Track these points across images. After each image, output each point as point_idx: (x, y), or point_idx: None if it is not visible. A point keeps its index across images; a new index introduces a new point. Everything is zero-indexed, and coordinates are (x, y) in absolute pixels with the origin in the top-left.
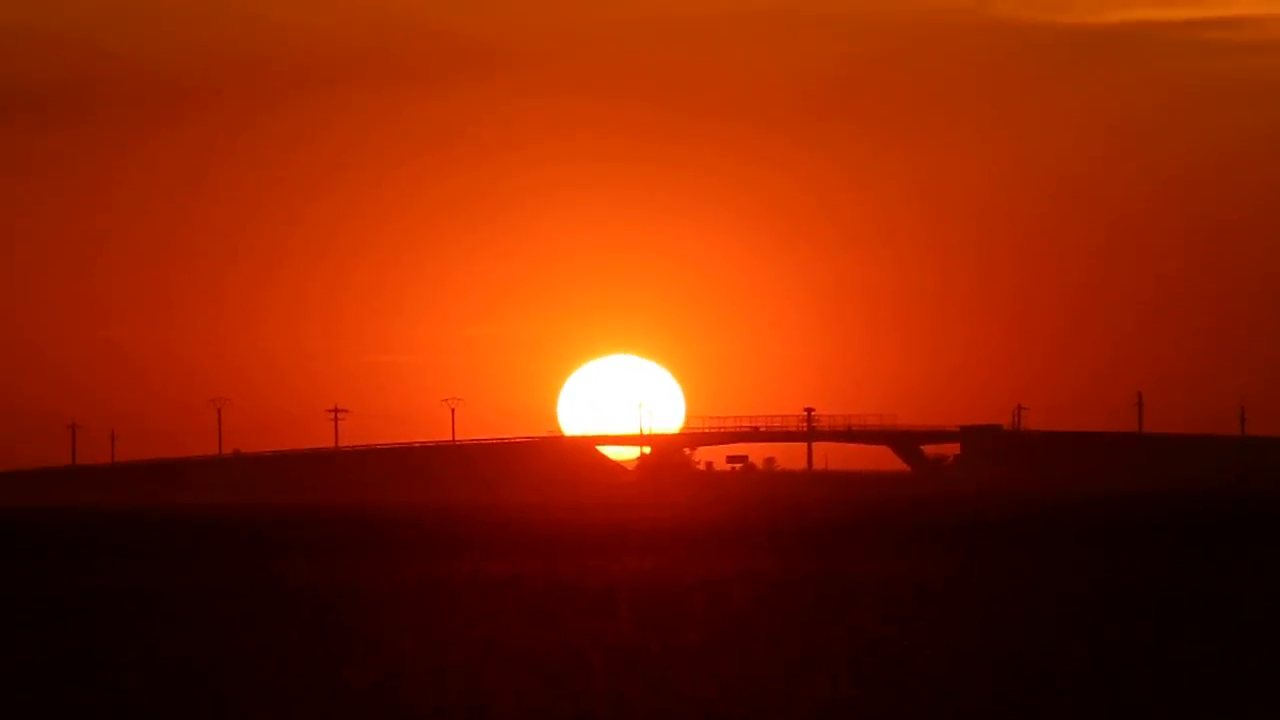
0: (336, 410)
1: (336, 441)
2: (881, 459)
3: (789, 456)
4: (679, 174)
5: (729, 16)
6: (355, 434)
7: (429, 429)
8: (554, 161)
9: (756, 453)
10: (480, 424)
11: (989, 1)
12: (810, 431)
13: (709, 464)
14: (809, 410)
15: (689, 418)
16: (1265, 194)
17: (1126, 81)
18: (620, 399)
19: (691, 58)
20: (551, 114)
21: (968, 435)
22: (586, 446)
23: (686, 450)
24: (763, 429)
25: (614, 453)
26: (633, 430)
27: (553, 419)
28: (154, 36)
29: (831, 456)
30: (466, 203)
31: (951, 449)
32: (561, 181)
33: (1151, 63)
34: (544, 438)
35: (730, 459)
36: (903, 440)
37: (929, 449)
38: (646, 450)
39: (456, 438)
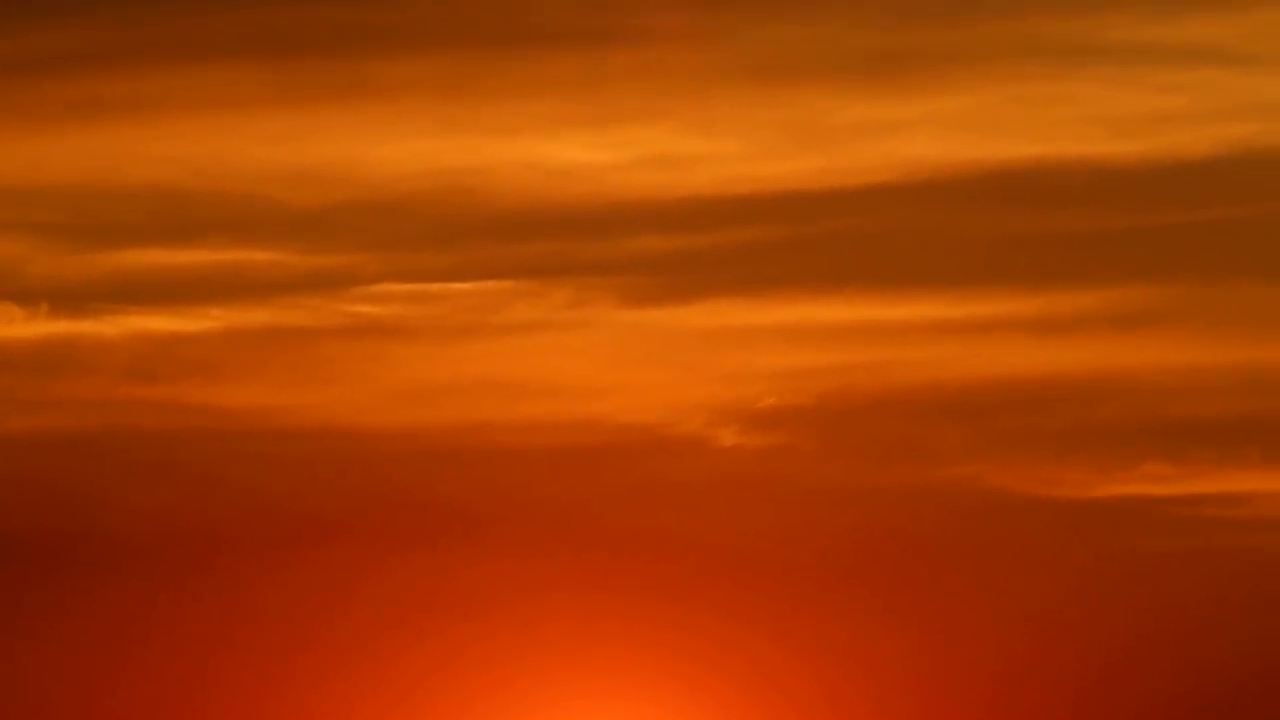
0: None
1: None
2: None
3: None
4: (675, 638)
5: (714, 483)
6: None
7: None
8: (533, 624)
9: None
10: None
11: (983, 474)
12: None
13: None
14: None
15: None
16: (1254, 664)
17: (1114, 554)
18: None
19: (684, 523)
20: (530, 576)
21: None
22: None
23: None
24: None
25: None
26: None
27: None
28: (123, 495)
29: None
30: (446, 665)
31: None
32: (543, 644)
33: (1143, 537)
34: None
35: None
36: None
37: None
38: None
39: None
